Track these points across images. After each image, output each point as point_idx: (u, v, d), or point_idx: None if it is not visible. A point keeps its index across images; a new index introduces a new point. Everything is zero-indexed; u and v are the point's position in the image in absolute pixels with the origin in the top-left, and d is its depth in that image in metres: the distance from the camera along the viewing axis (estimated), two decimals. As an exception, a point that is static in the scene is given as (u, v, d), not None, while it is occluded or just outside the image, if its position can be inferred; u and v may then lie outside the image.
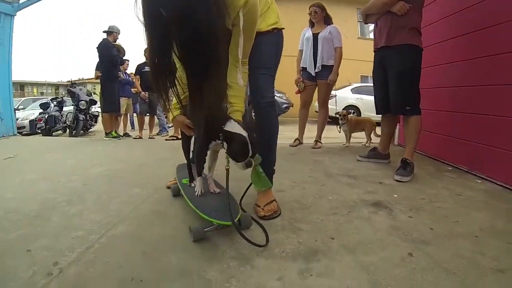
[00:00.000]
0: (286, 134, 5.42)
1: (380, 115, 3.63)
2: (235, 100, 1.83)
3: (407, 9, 2.97)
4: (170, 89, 1.64)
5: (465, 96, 3.33)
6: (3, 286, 1.32)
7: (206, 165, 2.00)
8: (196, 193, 1.95)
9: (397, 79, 3.09)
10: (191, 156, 2.22)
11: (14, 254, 1.55)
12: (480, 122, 3.07)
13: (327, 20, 4.71)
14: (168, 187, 2.51)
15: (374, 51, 3.43)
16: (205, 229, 1.70)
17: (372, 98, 3.65)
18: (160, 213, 2.10)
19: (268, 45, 2.04)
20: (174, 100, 1.87)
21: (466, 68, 3.31)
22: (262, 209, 2.03)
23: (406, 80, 3.04)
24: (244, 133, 1.61)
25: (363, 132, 5.14)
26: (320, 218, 2.01)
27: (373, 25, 3.43)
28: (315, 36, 4.63)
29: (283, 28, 2.12)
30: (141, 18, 1.42)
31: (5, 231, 1.81)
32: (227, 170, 1.71)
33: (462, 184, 2.80)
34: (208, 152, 1.91)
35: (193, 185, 2.11)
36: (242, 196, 2.09)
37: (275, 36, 2.08)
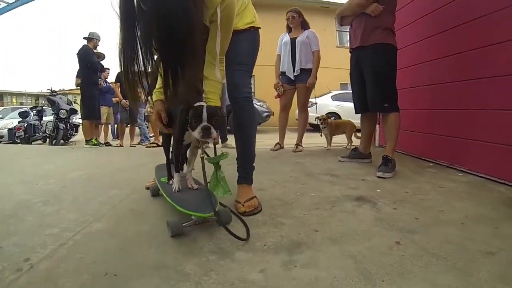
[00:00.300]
0: (266, 141, 5.42)
1: (360, 119, 3.67)
2: (211, 96, 1.83)
3: (380, 10, 3.05)
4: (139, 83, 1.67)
5: (442, 93, 3.40)
6: (-31, 282, 1.25)
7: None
8: (174, 189, 1.92)
9: (374, 77, 3.14)
10: (171, 156, 2.20)
11: (-16, 251, 1.49)
12: (459, 117, 3.14)
13: (304, 25, 4.77)
14: (147, 188, 2.46)
15: (350, 52, 3.50)
16: (183, 224, 1.66)
17: (352, 105, 3.67)
18: (138, 211, 2.05)
19: (244, 43, 2.08)
20: (158, 84, 1.95)
21: (442, 65, 3.41)
22: (243, 205, 1.99)
23: (383, 78, 3.09)
24: (203, 103, 1.66)
25: (344, 135, 5.17)
26: (302, 213, 1.96)
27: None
28: (293, 41, 4.69)
29: (259, 27, 2.15)
30: (116, 9, 1.47)
31: (-22, 229, 1.75)
32: (202, 158, 1.73)
33: (443, 177, 2.85)
34: (189, 150, 1.92)
35: (171, 182, 2.08)
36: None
37: (251, 34, 2.12)
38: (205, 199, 1.63)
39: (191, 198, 1.79)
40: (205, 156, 1.80)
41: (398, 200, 2.21)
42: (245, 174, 2.15)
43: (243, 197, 2.04)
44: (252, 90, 15.64)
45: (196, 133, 1.63)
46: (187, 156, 2.10)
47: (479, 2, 2.89)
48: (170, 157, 2.20)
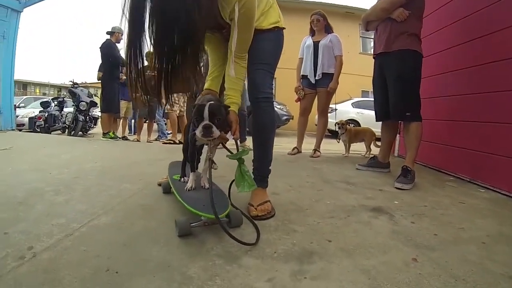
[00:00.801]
0: (284, 145, 5.37)
1: (380, 127, 3.60)
2: (230, 93, 1.85)
3: (406, 15, 2.97)
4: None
5: (465, 104, 3.33)
6: (-28, 265, 1.25)
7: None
8: (186, 188, 1.89)
9: (397, 85, 3.06)
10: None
11: (-10, 236, 1.51)
12: (482, 130, 3.05)
13: (328, 29, 4.71)
14: (159, 184, 2.45)
15: (373, 57, 3.43)
16: (191, 224, 1.62)
17: (372, 112, 3.60)
18: (147, 207, 2.03)
19: (268, 42, 2.05)
20: (210, 69, 2.06)
21: (466, 75, 3.32)
22: (255, 208, 1.94)
23: (406, 86, 3.01)
24: (206, 103, 1.65)
25: (363, 143, 5.08)
26: (316, 221, 1.90)
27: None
28: (316, 44, 4.63)
29: (284, 28, 2.12)
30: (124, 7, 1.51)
31: (-13, 214, 1.78)
32: (210, 159, 1.77)
33: (464, 192, 2.75)
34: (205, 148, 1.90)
35: (182, 180, 2.08)
36: (229, 193, 2.02)
37: (275, 34, 2.08)
38: (217, 201, 1.57)
39: (203, 197, 1.74)
40: (228, 154, 1.77)
41: (416, 213, 2.12)
42: (261, 177, 2.10)
43: (256, 201, 1.99)
44: (273, 93, 15.67)
45: (198, 132, 1.61)
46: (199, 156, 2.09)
47: (507, 12, 2.79)
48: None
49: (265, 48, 2.03)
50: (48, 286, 1.14)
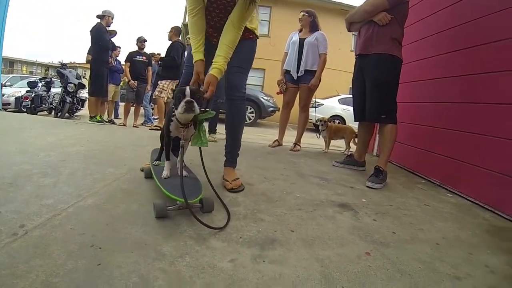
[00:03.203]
0: (268, 136, 5.44)
1: (357, 126, 3.69)
2: (218, 59, 2.11)
3: (388, 20, 3.01)
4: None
5: (444, 112, 3.39)
6: (-32, 240, 1.37)
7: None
8: (163, 176, 2.03)
9: (374, 87, 3.12)
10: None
11: (-17, 214, 1.61)
12: (456, 138, 3.12)
13: (315, 27, 4.76)
14: (142, 170, 2.56)
15: (355, 58, 3.47)
16: (168, 207, 1.76)
17: (358, 110, 3.69)
18: (130, 191, 2.16)
19: (247, 49, 2.40)
20: (197, 44, 2.22)
21: (446, 85, 3.39)
22: (230, 183, 2.35)
23: (383, 89, 3.08)
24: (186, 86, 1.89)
25: (344, 140, 5.19)
26: (284, 212, 2.04)
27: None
28: (302, 41, 4.68)
29: (258, 38, 2.49)
30: None
31: (-23, 193, 1.86)
32: (182, 147, 1.95)
33: (432, 196, 2.85)
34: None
35: (156, 163, 2.31)
36: (204, 170, 2.14)
37: (253, 43, 2.47)
38: (191, 187, 1.76)
39: (180, 183, 1.86)
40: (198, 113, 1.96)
41: (380, 212, 2.25)
42: (232, 159, 2.53)
43: (230, 177, 2.40)
44: (261, 84, 15.69)
45: (180, 108, 1.81)
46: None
47: (496, 26, 2.83)
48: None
49: (245, 54, 2.38)
50: (39, 259, 1.28)
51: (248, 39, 2.37)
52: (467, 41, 3.14)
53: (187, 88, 1.84)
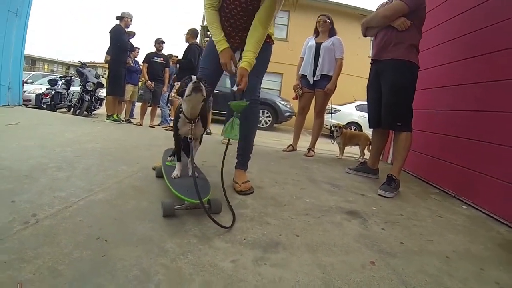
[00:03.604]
0: (284, 141, 5.42)
1: (372, 133, 3.64)
2: (247, 54, 2.16)
3: (408, 25, 2.97)
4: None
5: (460, 120, 3.31)
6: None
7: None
8: (173, 176, 2.07)
9: (390, 94, 3.08)
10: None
11: (-1, 203, 1.70)
12: (473, 147, 3.03)
13: (332, 32, 4.74)
14: (154, 168, 2.59)
15: (370, 63, 3.43)
16: (175, 206, 1.80)
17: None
18: (140, 188, 2.20)
19: (264, 55, 2.36)
20: (221, 34, 2.26)
21: (463, 92, 3.31)
22: (240, 185, 2.37)
23: (399, 96, 3.03)
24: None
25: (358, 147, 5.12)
26: (291, 216, 2.04)
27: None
28: (318, 46, 4.65)
29: (274, 43, 2.52)
30: None
31: (-5, 183, 1.96)
32: (190, 140, 1.99)
33: (445, 207, 2.77)
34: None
35: (170, 159, 2.36)
36: (222, 167, 2.18)
37: (269, 47, 2.50)
38: (199, 187, 1.74)
39: (188, 184, 1.89)
40: (231, 101, 2.11)
41: (390, 221, 2.20)
42: (243, 161, 2.54)
43: (240, 179, 2.43)
44: (279, 88, 15.66)
45: (187, 90, 1.84)
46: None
47: (509, 34, 2.76)
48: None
49: (262, 59, 2.33)
50: (47, 246, 1.34)
51: (265, 42, 2.36)
52: (484, 47, 3.05)
53: (194, 76, 1.89)
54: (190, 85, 1.84)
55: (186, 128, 2.01)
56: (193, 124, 1.98)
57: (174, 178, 2.06)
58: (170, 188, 1.89)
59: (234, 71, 2.22)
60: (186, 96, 1.86)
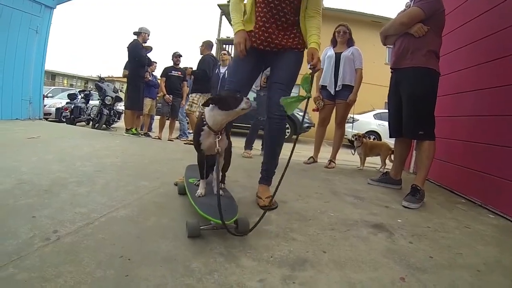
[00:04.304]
0: (303, 153, 5.37)
1: (394, 143, 3.58)
2: (313, 38, 2.31)
3: (425, 31, 2.91)
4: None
5: (484, 126, 3.24)
6: (3, 241, 1.45)
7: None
8: (197, 195, 2.00)
9: (411, 102, 3.02)
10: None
11: (19, 218, 1.73)
12: (499, 154, 2.94)
13: (350, 42, 4.71)
14: (176, 184, 2.56)
15: (391, 72, 3.38)
16: (201, 227, 1.73)
17: (394, 125, 3.58)
18: (162, 205, 2.18)
19: (291, 63, 2.37)
20: (240, 18, 2.31)
21: (486, 97, 3.24)
22: (263, 200, 2.32)
23: (420, 104, 2.96)
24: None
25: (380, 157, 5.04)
26: (316, 232, 1.99)
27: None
28: (338, 55, 4.62)
29: (306, 48, 2.40)
30: None
31: (16, 198, 2.00)
32: (217, 151, 1.92)
33: (472, 217, 2.69)
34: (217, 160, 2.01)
35: (195, 182, 2.21)
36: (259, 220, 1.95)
37: (299, 56, 2.44)
38: (226, 207, 1.72)
39: (214, 203, 1.81)
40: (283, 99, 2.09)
41: (417, 234, 2.14)
42: (267, 176, 2.50)
43: (264, 194, 2.39)
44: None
45: (243, 104, 1.88)
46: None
47: None
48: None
49: (288, 69, 2.36)
50: (69, 265, 1.32)
51: (296, 49, 2.38)
52: (504, 49, 2.99)
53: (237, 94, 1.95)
54: (246, 100, 1.89)
55: (209, 141, 1.95)
56: (220, 136, 1.93)
57: (199, 197, 1.99)
58: (195, 208, 1.83)
59: (244, 52, 2.25)
60: (243, 109, 1.89)
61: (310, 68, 2.22)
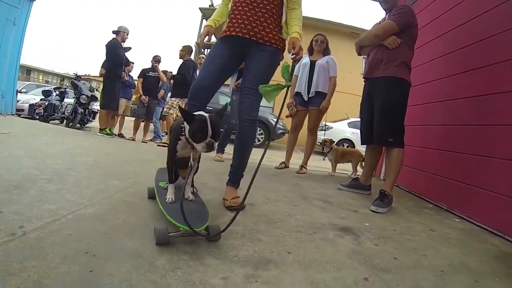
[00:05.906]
0: (276, 158, 5.41)
1: (365, 150, 3.66)
2: (293, 28, 2.34)
3: (398, 43, 3.02)
4: None
5: (453, 134, 3.36)
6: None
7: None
8: (167, 200, 1.92)
9: (382, 111, 3.11)
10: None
11: (-15, 213, 1.67)
12: (465, 161, 3.06)
13: (326, 51, 4.83)
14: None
15: (364, 81, 3.48)
16: (170, 234, 1.65)
17: (368, 134, 3.68)
18: (131, 204, 2.17)
19: (263, 65, 2.38)
20: (214, 16, 2.47)
21: (454, 107, 3.37)
22: (229, 201, 2.33)
23: (391, 112, 3.06)
24: (205, 115, 1.72)
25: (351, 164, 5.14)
26: (282, 234, 2.00)
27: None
28: (313, 63, 4.72)
29: (284, 49, 2.42)
30: None
31: (-17, 193, 1.93)
32: (190, 166, 1.83)
33: (439, 221, 2.77)
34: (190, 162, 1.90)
35: (164, 186, 2.14)
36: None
37: (273, 57, 2.42)
38: (197, 214, 1.75)
39: (185, 209, 1.70)
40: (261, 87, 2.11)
41: (383, 236, 2.19)
42: (235, 178, 2.49)
43: (230, 195, 2.38)
44: (271, 106, 15.59)
45: (200, 147, 1.70)
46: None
47: (500, 48, 2.80)
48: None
49: (259, 72, 2.37)
50: (33, 260, 1.31)
51: (274, 45, 2.38)
52: (477, 61, 3.10)
53: (209, 124, 1.69)
54: (204, 145, 1.69)
55: (185, 151, 1.89)
56: (195, 149, 1.83)
57: (169, 203, 1.90)
58: (164, 214, 1.77)
59: (204, 44, 2.32)
60: (199, 150, 1.73)
61: (292, 58, 2.25)
